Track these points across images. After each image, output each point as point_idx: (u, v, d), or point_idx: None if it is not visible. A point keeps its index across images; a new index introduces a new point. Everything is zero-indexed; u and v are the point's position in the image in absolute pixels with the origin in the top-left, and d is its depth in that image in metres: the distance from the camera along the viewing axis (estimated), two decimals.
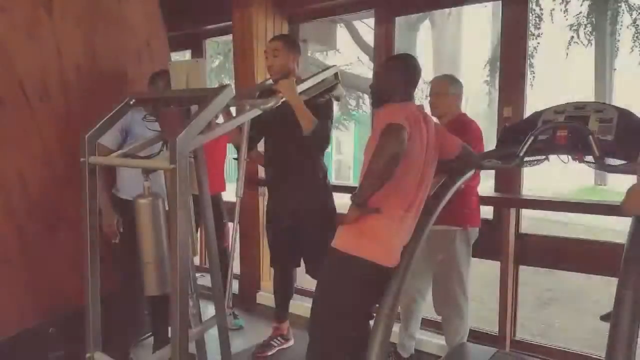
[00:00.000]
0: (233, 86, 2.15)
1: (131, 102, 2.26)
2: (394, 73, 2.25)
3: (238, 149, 2.91)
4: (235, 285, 4.11)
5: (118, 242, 2.89)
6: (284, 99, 2.52)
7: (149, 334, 3.35)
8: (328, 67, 2.92)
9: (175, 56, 5.07)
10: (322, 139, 2.78)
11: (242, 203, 2.45)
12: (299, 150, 2.86)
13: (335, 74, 2.90)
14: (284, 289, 3.26)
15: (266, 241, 4.06)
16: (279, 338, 3.27)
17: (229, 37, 4.42)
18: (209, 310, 3.60)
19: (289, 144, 2.88)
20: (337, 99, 2.95)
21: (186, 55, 5.47)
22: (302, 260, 3.14)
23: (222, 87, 2.04)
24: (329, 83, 2.84)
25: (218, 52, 10.66)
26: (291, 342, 3.30)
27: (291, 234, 3.03)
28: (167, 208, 2.23)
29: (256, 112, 2.40)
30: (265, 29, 3.95)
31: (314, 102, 2.73)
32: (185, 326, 1.93)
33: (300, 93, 2.64)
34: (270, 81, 2.94)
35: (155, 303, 3.03)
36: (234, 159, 2.96)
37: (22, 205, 2.72)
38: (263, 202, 4.01)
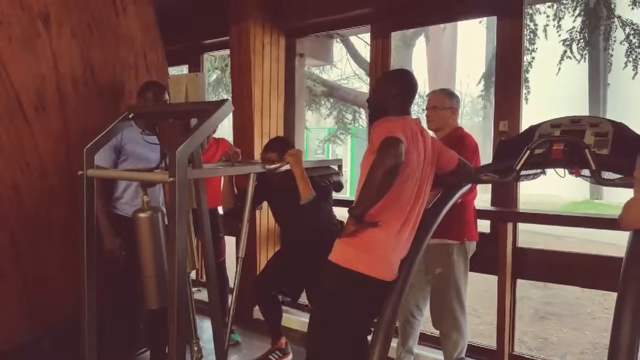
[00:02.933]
0: (230, 100, 2.17)
1: (130, 116, 2.26)
2: (391, 87, 2.26)
3: (227, 213, 3.01)
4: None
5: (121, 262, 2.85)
6: (287, 167, 2.63)
7: (145, 349, 3.32)
8: (335, 159, 3.03)
9: (173, 71, 5.10)
10: (315, 211, 2.80)
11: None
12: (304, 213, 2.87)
13: (339, 166, 3.06)
14: (274, 316, 3.25)
15: (263, 256, 4.06)
16: (277, 352, 3.24)
17: (227, 51, 4.44)
18: (204, 325, 3.57)
19: (294, 209, 2.84)
20: (337, 189, 3.02)
21: (184, 69, 5.49)
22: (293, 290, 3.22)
23: (221, 101, 2.05)
24: (331, 170, 3.00)
25: (215, 67, 10.69)
26: (290, 357, 3.27)
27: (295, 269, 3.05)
28: (166, 222, 2.23)
29: (259, 169, 2.52)
30: (262, 44, 3.97)
31: (315, 183, 2.81)
32: (182, 340, 1.92)
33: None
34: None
35: (152, 317, 3.00)
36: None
37: (17, 217, 2.71)
38: (260, 217, 4.00)
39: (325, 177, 2.94)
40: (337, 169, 3.06)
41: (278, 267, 3.13)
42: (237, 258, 2.68)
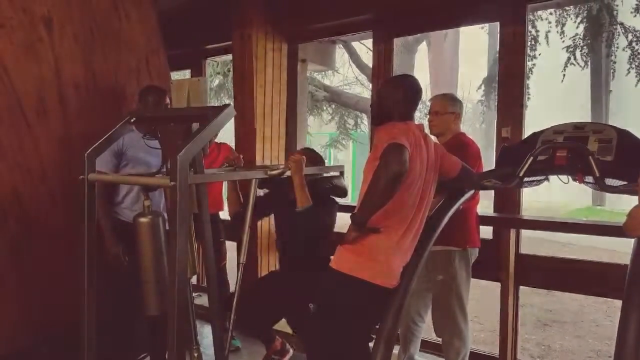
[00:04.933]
0: (232, 105, 2.16)
1: (131, 120, 2.25)
2: (396, 92, 2.25)
3: (234, 217, 2.97)
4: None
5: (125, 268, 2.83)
6: (289, 173, 2.61)
7: (145, 354, 3.30)
8: (336, 165, 3.14)
9: (176, 75, 5.10)
10: (310, 222, 2.74)
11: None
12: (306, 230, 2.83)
13: (341, 172, 3.08)
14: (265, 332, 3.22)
15: (264, 262, 4.05)
16: (273, 357, 3.22)
17: (229, 56, 4.44)
18: (205, 330, 3.55)
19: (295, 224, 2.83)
20: (340, 194, 3.00)
21: (186, 74, 5.50)
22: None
23: (223, 106, 2.04)
24: (332, 173, 3.03)
25: (217, 72, 10.71)
26: (290, 354, 3.25)
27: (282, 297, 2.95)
28: (167, 227, 2.21)
29: (261, 175, 2.51)
30: (264, 49, 3.97)
31: (318, 187, 2.82)
32: (181, 346, 1.90)
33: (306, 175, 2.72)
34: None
35: (152, 322, 2.98)
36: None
37: (17, 221, 2.70)
38: (261, 222, 3.98)
39: (327, 180, 2.93)
40: (339, 174, 3.06)
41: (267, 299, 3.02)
42: (238, 264, 2.66)
